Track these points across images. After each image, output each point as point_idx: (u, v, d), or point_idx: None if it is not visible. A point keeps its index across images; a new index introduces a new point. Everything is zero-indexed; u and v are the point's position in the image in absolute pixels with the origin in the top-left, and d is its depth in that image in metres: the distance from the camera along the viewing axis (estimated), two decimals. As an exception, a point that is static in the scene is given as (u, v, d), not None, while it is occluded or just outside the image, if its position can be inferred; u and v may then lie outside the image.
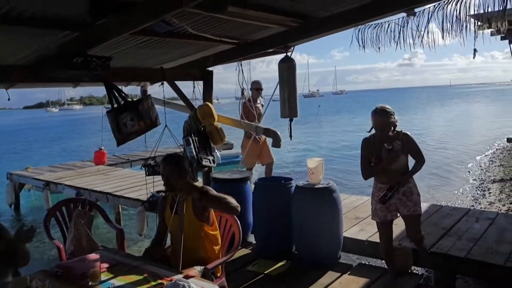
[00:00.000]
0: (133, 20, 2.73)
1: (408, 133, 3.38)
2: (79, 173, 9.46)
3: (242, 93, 4.96)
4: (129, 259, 2.67)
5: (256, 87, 6.12)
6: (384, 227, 3.50)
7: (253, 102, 5.78)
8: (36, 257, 6.52)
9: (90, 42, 3.20)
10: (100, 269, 2.35)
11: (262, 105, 6.23)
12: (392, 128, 3.37)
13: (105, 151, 10.85)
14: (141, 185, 7.47)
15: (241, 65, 4.86)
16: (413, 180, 3.43)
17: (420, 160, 3.42)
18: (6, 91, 3.58)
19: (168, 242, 3.11)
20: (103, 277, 2.36)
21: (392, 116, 3.32)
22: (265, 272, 3.93)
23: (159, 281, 2.28)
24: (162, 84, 4.60)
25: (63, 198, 7.78)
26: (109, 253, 2.82)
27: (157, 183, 5.61)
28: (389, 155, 3.28)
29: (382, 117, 3.31)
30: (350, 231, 4.49)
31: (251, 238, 4.72)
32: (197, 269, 2.75)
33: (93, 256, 2.51)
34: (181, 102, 5.32)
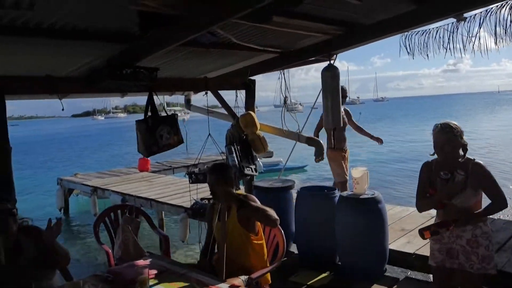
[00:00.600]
0: (180, 32, 2.80)
1: (481, 162, 2.67)
2: (124, 179, 9.77)
3: (285, 102, 4.95)
4: (176, 266, 2.72)
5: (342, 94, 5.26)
6: (439, 274, 2.86)
7: None
8: (86, 260, 6.75)
9: (139, 54, 3.32)
10: (148, 275, 2.40)
11: (347, 112, 5.70)
12: (461, 152, 2.70)
13: (148, 158, 11.15)
14: (183, 192, 7.61)
15: (283, 73, 4.86)
16: (488, 226, 2.70)
17: (495, 200, 2.64)
18: (60, 101, 3.76)
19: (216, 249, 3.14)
20: (151, 283, 2.41)
21: (458, 135, 2.65)
22: (308, 283, 3.88)
23: (206, 290, 2.30)
24: (206, 93, 4.68)
25: (109, 204, 8.11)
26: (156, 259, 2.88)
27: (200, 191, 5.70)
28: (445, 185, 2.67)
29: (444, 133, 2.64)
30: (396, 243, 4.36)
31: (293, 248, 4.68)
32: (242, 279, 2.75)
33: (142, 262, 2.58)
34: (223, 111, 5.40)
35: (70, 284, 2.25)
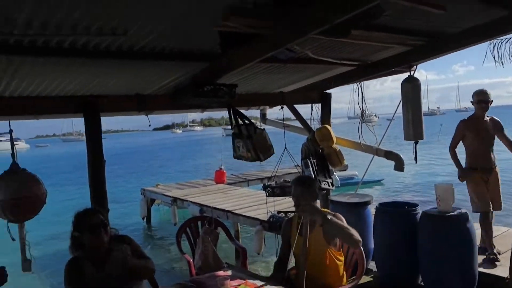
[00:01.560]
0: (259, 50, 2.88)
1: None
2: (202, 191, 10.14)
3: (362, 115, 4.86)
4: (255, 279, 2.76)
5: (480, 99, 4.39)
6: None
7: (478, 120, 4.44)
8: (169, 267, 7.06)
9: (219, 71, 3.47)
10: (229, 286, 2.46)
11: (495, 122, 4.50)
12: None
13: (224, 171, 11.50)
14: (258, 204, 7.73)
15: (361, 86, 4.78)
16: None
17: None
18: (147, 116, 4.05)
19: (292, 264, 3.14)
20: (232, 294, 2.47)
21: None
22: (388, 304, 3.72)
23: (284, 304, 2.30)
24: (282, 108, 4.74)
25: (188, 214, 8.45)
26: (235, 271, 2.95)
27: (277, 203, 5.75)
28: None
29: None
30: (486, 265, 4.04)
31: (372, 265, 4.52)
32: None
33: (223, 273, 2.66)
34: (298, 124, 5.42)
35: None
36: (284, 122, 5.18)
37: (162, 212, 11.84)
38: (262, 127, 4.45)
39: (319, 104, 5.22)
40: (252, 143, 4.04)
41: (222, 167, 11.55)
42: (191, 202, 8.83)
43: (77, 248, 2.65)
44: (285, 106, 4.88)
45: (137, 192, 11.81)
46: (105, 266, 2.59)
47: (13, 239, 3.10)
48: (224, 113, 4.36)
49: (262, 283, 2.67)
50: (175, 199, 9.45)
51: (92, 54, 2.74)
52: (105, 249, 2.63)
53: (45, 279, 7.31)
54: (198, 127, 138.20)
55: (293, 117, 5.28)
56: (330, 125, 4.92)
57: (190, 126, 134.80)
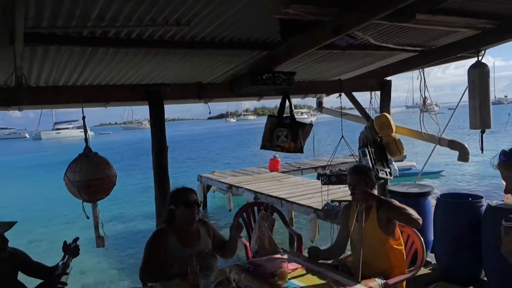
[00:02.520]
0: (319, 36, 2.87)
1: None
2: (256, 178, 10.28)
3: (424, 103, 4.68)
4: (312, 264, 2.79)
5: None
6: None
7: None
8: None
9: (278, 59, 3.50)
10: (287, 270, 2.52)
11: None
12: None
13: (279, 159, 11.56)
14: (313, 192, 7.73)
15: (423, 73, 4.61)
16: None
17: None
18: (207, 104, 4.18)
19: (349, 251, 3.14)
20: (289, 277, 2.52)
21: None
22: (449, 297, 3.61)
23: (342, 289, 2.32)
24: (340, 95, 4.69)
25: (243, 201, 8.62)
26: (292, 256, 3.00)
27: (331, 192, 5.72)
28: None
29: None
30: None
31: (431, 257, 4.40)
32: (377, 282, 2.71)
33: (281, 257, 2.72)
34: (356, 113, 5.33)
35: (219, 270, 2.49)
36: (342, 110, 5.12)
37: (217, 199, 12.15)
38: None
39: (378, 92, 5.09)
40: (302, 134, 4.04)
41: (277, 155, 11.61)
42: (245, 189, 8.99)
43: (168, 221, 2.88)
44: (342, 94, 4.81)
45: (194, 178, 12.18)
46: (193, 244, 2.83)
47: (88, 217, 3.35)
48: (277, 102, 4.34)
49: (319, 268, 2.69)
50: (230, 186, 9.66)
51: (158, 44, 2.88)
52: (194, 227, 2.88)
53: (116, 254, 7.83)
54: (252, 116, 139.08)
55: (349, 106, 5.21)
56: (389, 113, 4.80)
57: (244, 115, 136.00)
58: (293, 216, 8.23)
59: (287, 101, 4.23)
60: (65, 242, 2.71)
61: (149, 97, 3.75)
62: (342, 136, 4.66)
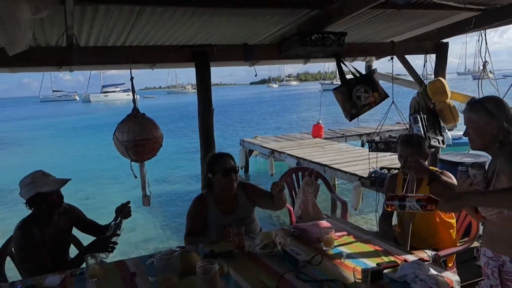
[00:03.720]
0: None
1: None
2: (299, 144, 10.20)
3: (484, 67, 4.35)
4: (358, 231, 2.74)
5: None
6: None
7: None
8: (268, 215, 7.34)
9: (328, 19, 3.33)
10: (334, 236, 2.48)
11: None
12: None
13: (322, 125, 11.37)
14: (357, 160, 7.59)
15: (484, 34, 4.25)
16: None
17: None
18: (253, 67, 4.09)
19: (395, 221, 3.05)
20: (336, 243, 2.48)
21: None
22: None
23: (391, 258, 2.26)
24: (392, 58, 4.45)
25: (285, 166, 8.60)
26: (338, 222, 2.95)
27: (380, 159, 5.56)
28: None
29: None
30: None
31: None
32: (428, 253, 2.62)
33: (327, 223, 2.67)
34: (408, 78, 5.07)
35: (264, 233, 2.48)
36: (393, 75, 4.87)
37: (259, 163, 12.21)
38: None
39: (433, 56, 4.79)
40: (373, 84, 3.84)
41: (320, 121, 11.42)
42: (288, 154, 8.94)
43: (207, 187, 2.90)
44: (394, 57, 4.56)
45: (237, 142, 12.28)
46: (232, 212, 2.84)
47: (135, 177, 3.44)
48: (321, 67, 4.22)
49: (367, 236, 2.63)
50: (272, 151, 9.64)
51: (205, 2, 2.80)
52: (233, 193, 2.86)
53: (161, 214, 8.14)
54: (294, 82, 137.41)
55: (398, 71, 4.92)
56: (444, 78, 4.52)
57: (286, 80, 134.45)
58: (336, 183, 8.14)
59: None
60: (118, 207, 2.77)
61: (195, 58, 3.70)
62: (393, 102, 4.45)
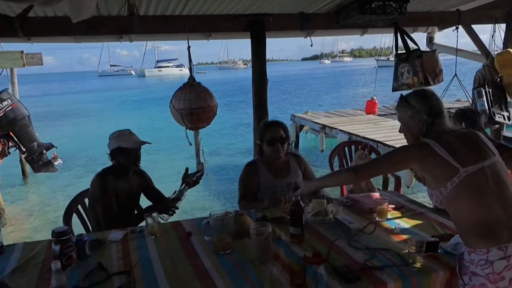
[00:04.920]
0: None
1: None
2: (351, 120, 10.00)
3: None
4: (413, 204, 2.67)
5: None
6: None
7: None
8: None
9: (390, -16, 3.18)
10: (387, 208, 2.44)
11: None
12: None
13: (376, 101, 11.05)
14: (412, 137, 7.33)
15: None
16: None
17: None
18: (310, 37, 4.01)
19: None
20: (390, 216, 2.44)
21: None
22: None
23: (447, 231, 2.19)
24: (457, 28, 4.19)
25: (336, 142, 8.49)
26: (392, 195, 2.89)
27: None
28: None
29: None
30: None
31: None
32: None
33: (381, 195, 2.63)
34: (473, 50, 4.77)
35: (317, 201, 2.49)
36: (457, 46, 4.60)
37: (310, 139, 12.13)
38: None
39: (503, 26, 4.46)
40: (420, 65, 3.68)
41: (374, 97, 11.09)
42: (340, 130, 8.81)
43: (258, 153, 2.97)
44: (460, 28, 4.30)
45: (288, 118, 12.24)
46: (283, 176, 2.88)
47: (190, 144, 3.54)
48: (376, 43, 4.05)
49: (421, 209, 2.57)
50: (323, 126, 9.53)
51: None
52: (283, 160, 2.90)
53: (216, 182, 8.37)
54: (348, 58, 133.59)
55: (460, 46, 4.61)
56: (514, 50, 4.21)
57: (339, 56, 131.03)
58: (388, 160, 7.93)
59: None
60: (186, 171, 2.89)
61: (251, 28, 3.69)
62: (456, 75, 4.22)
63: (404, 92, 1.98)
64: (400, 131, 1.99)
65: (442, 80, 3.89)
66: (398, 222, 2.35)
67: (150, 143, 2.80)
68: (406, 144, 1.94)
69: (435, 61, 3.73)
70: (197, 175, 2.85)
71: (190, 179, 2.83)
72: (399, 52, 4.03)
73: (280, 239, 2.16)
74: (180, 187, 2.82)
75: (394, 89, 4.08)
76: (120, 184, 2.76)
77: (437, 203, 1.78)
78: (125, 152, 2.70)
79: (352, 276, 1.72)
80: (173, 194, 2.81)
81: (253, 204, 2.75)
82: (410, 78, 3.90)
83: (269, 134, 2.83)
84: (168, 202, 2.74)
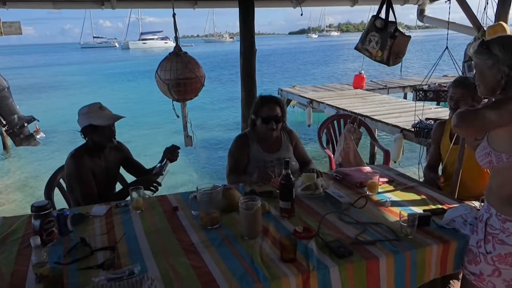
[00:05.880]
0: None
1: None
2: (339, 94, 9.94)
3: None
4: (404, 178, 2.64)
5: None
6: None
7: None
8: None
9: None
10: (378, 181, 2.40)
11: None
12: None
13: (364, 76, 10.98)
14: (400, 112, 7.34)
15: None
16: None
17: None
18: (300, 7, 3.88)
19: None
20: (381, 190, 2.41)
21: None
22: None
23: (439, 206, 2.17)
24: (449, 0, 4.10)
25: (323, 116, 8.44)
26: (383, 169, 2.86)
27: (425, 112, 5.33)
28: None
29: None
30: None
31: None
32: (475, 204, 2.51)
33: (371, 169, 2.59)
34: (466, 22, 4.70)
35: (306, 175, 2.43)
36: (449, 19, 4.50)
37: (297, 114, 12.07)
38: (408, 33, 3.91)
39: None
40: (391, 44, 3.59)
41: (362, 72, 11.01)
42: (327, 104, 8.74)
43: (250, 126, 2.88)
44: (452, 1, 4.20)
45: (275, 91, 12.13)
46: (274, 151, 2.83)
47: (178, 116, 3.43)
48: (364, 18, 3.90)
49: (412, 183, 2.54)
50: (311, 101, 9.45)
51: None
52: (277, 135, 2.84)
53: (203, 156, 8.29)
54: (335, 32, 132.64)
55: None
56: (506, 23, 4.14)
57: (327, 31, 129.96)
58: (376, 134, 7.94)
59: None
60: (171, 148, 2.76)
61: (239, -4, 3.55)
62: (447, 47, 4.15)
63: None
64: (473, 79, 1.80)
65: (399, 63, 3.83)
66: (389, 196, 2.32)
67: (124, 117, 2.61)
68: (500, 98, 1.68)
69: (404, 46, 3.66)
70: (177, 149, 2.75)
71: (169, 153, 2.72)
72: (379, 17, 3.87)
73: (269, 214, 2.11)
74: (161, 161, 2.72)
75: (356, 48, 3.95)
76: (97, 162, 2.59)
77: (487, 164, 1.69)
78: (98, 129, 2.51)
79: (344, 250, 1.69)
80: (153, 169, 2.72)
81: (242, 177, 2.68)
82: (376, 50, 3.79)
83: (265, 111, 2.74)
84: (150, 177, 2.64)
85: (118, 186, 2.83)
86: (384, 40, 3.70)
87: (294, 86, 11.70)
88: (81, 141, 2.62)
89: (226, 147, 2.88)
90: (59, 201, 2.73)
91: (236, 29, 3.69)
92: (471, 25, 4.48)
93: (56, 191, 2.78)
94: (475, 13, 4.54)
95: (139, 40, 79.23)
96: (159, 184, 2.62)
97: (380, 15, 3.74)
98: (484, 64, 1.66)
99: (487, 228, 1.68)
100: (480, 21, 4.37)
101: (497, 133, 1.63)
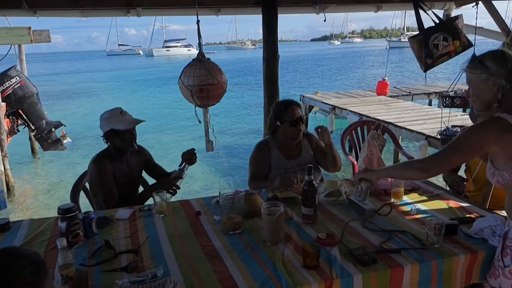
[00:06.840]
0: None
1: None
2: (362, 101, 9.84)
3: None
4: (430, 186, 2.58)
5: None
6: None
7: None
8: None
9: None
10: (403, 189, 2.35)
11: None
12: None
13: (388, 82, 10.85)
14: (424, 119, 7.21)
15: None
16: None
17: None
18: (324, 13, 3.86)
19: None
20: (405, 198, 2.36)
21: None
22: None
23: (467, 215, 2.10)
24: (477, 4, 4.01)
25: (346, 123, 8.38)
26: (407, 176, 2.80)
27: (451, 119, 5.21)
28: None
29: None
30: None
31: None
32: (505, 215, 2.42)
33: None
34: (494, 28, 4.58)
35: (330, 182, 2.41)
36: (476, 24, 4.40)
37: (319, 120, 11.99)
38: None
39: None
40: (455, 31, 3.44)
41: (386, 78, 10.88)
42: (350, 111, 8.67)
43: (270, 133, 2.89)
44: (480, 4, 4.12)
45: (297, 98, 12.10)
46: (295, 157, 2.84)
47: (200, 122, 3.45)
48: (387, 24, 3.85)
49: (438, 191, 2.48)
50: (333, 107, 9.39)
51: None
52: (296, 142, 2.84)
53: (223, 162, 8.31)
54: (358, 39, 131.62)
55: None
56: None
57: (350, 37, 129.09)
58: (400, 142, 7.81)
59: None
60: (190, 151, 2.78)
61: (263, 1, 3.56)
62: (474, 53, 4.04)
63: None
64: (467, 95, 1.77)
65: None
66: (414, 204, 2.27)
67: (144, 121, 2.66)
68: (472, 125, 1.72)
69: (460, 27, 3.52)
70: (194, 153, 2.77)
71: (188, 156, 2.73)
72: (411, 36, 3.78)
73: (292, 220, 2.10)
74: (180, 165, 2.74)
75: (427, 67, 3.71)
76: (118, 167, 2.63)
77: (497, 184, 1.66)
78: (119, 134, 2.56)
79: (368, 258, 1.65)
80: (172, 172, 2.75)
81: (264, 183, 2.68)
82: (450, 44, 3.60)
83: (291, 114, 2.75)
84: (169, 180, 2.67)
85: (141, 190, 2.87)
86: (451, 30, 3.51)
87: (316, 93, 11.65)
88: (105, 146, 2.67)
89: (247, 152, 2.88)
90: (84, 204, 2.78)
91: (258, 36, 3.72)
92: (499, 30, 4.37)
93: (82, 195, 2.84)
94: (503, 18, 4.43)
95: (163, 47, 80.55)
96: (178, 187, 2.65)
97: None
98: (479, 78, 1.63)
99: (506, 241, 1.63)
100: (508, 26, 4.25)
101: (493, 153, 1.61)
